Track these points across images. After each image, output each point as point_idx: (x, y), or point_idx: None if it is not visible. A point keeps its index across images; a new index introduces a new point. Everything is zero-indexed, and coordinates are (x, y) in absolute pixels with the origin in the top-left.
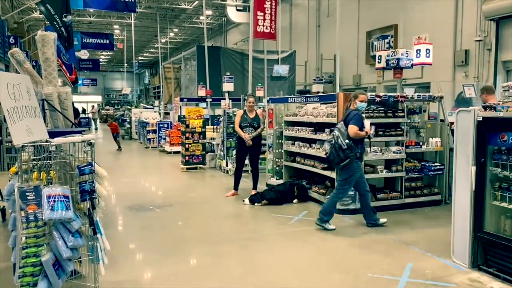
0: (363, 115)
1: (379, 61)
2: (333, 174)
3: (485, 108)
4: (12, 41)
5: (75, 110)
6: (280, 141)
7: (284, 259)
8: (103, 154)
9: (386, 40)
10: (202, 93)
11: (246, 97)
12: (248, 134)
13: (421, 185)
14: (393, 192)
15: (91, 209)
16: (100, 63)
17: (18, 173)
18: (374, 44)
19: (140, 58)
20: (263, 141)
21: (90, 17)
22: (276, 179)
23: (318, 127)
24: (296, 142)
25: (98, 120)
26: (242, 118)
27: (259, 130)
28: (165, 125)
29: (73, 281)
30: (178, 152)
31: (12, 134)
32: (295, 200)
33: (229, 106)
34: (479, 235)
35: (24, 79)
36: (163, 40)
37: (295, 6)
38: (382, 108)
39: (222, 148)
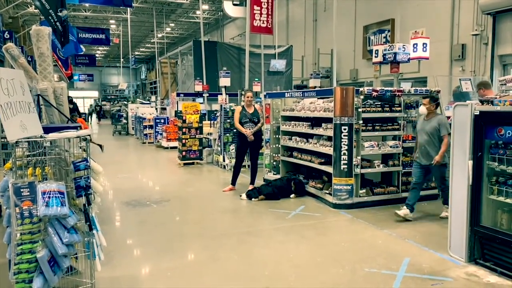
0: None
1: (376, 55)
2: (329, 169)
3: (482, 102)
4: (7, 36)
5: (74, 105)
6: (277, 136)
7: (281, 254)
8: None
9: (383, 35)
10: (198, 88)
11: (243, 93)
12: (249, 129)
13: None
14: (390, 186)
15: (86, 205)
16: (96, 58)
17: (12, 169)
18: (371, 39)
19: (136, 53)
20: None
21: (85, 12)
22: (273, 174)
23: (315, 122)
24: (293, 137)
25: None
26: (242, 114)
27: (259, 124)
28: (162, 121)
29: (69, 277)
30: (175, 148)
31: (6, 129)
32: (292, 195)
33: (226, 101)
34: (476, 229)
35: (18, 74)
36: (159, 35)
37: (291, 1)
38: (379, 103)
39: (219, 143)
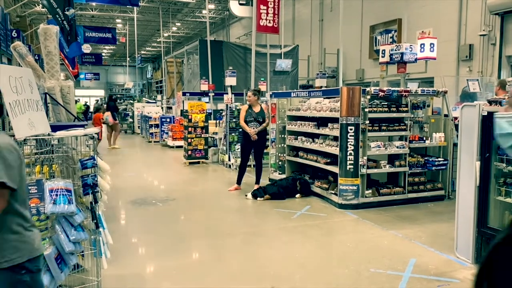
0: None
1: (383, 55)
2: (335, 169)
3: (490, 102)
4: (14, 34)
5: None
6: (283, 135)
7: (286, 254)
8: (105, 148)
9: (390, 35)
10: (204, 87)
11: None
12: (254, 128)
13: (424, 180)
14: (396, 187)
15: (93, 203)
16: (103, 57)
17: None
18: (378, 39)
19: (142, 52)
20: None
21: (92, 11)
22: (279, 173)
23: (321, 121)
24: (299, 137)
25: None
26: (247, 113)
27: (264, 124)
28: (168, 120)
29: (75, 275)
30: (180, 147)
31: (14, 127)
32: (297, 195)
33: (231, 101)
34: (483, 230)
35: (26, 72)
36: (165, 34)
37: (298, 0)
38: (386, 103)
39: (225, 143)
